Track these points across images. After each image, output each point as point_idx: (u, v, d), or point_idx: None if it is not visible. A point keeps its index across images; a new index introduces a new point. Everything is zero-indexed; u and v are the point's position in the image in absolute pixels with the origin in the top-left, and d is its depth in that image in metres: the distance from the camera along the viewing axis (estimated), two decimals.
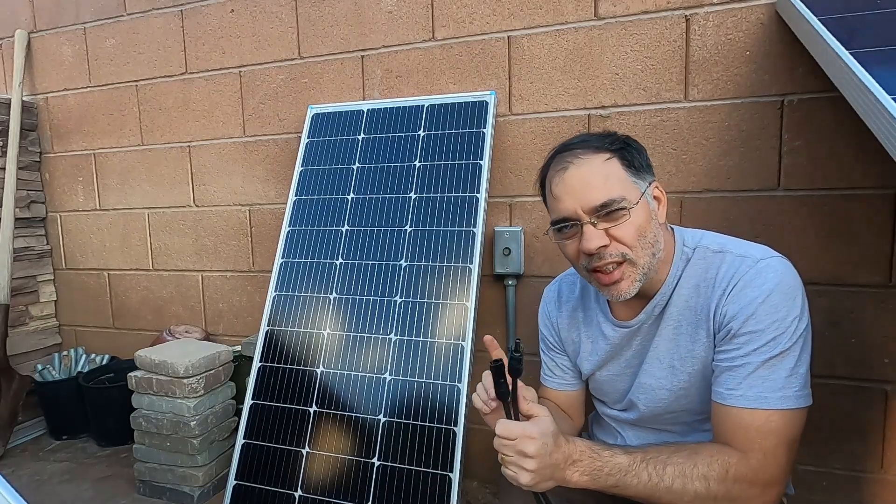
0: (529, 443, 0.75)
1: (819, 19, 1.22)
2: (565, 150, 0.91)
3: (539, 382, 1.17)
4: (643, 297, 0.94)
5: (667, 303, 0.93)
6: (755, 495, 0.79)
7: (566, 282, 1.13)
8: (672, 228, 0.98)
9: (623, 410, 1.05)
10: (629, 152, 0.89)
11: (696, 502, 0.78)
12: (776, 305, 0.81)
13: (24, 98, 2.38)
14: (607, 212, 0.85)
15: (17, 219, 2.28)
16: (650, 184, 0.91)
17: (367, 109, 1.85)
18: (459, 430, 1.41)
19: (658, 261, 0.90)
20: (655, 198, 0.92)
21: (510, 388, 0.78)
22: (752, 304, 0.82)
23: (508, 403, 0.79)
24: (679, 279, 0.92)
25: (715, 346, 0.88)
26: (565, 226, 0.89)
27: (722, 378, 0.84)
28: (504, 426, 0.77)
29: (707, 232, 0.96)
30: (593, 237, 0.85)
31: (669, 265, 0.93)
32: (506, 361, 0.79)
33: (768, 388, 0.80)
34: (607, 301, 1.03)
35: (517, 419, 0.78)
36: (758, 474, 0.79)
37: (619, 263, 0.86)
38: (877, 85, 0.95)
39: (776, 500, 0.81)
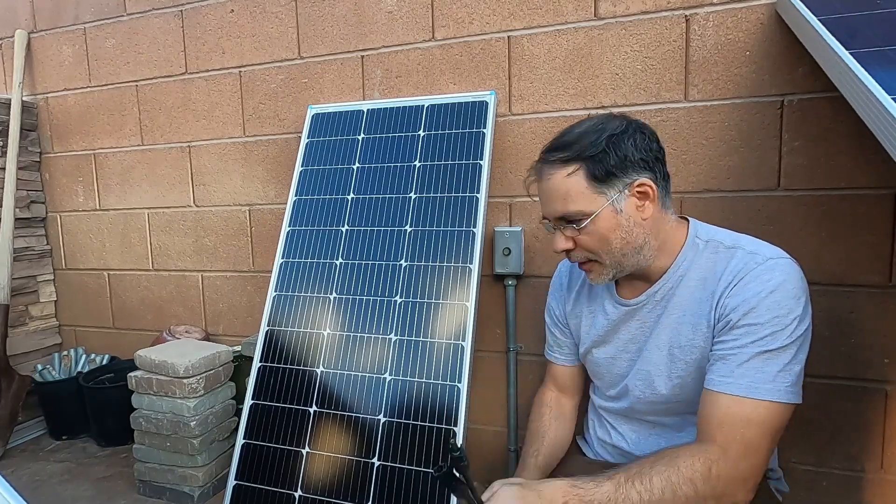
0: None
1: (819, 19, 1.21)
2: (540, 161, 0.98)
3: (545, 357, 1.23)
4: (647, 280, 0.98)
5: (672, 290, 0.95)
6: (738, 486, 0.81)
7: None
8: (688, 219, 1.00)
9: (615, 399, 1.07)
10: (601, 159, 0.88)
11: None
12: (778, 302, 0.83)
13: (24, 98, 2.38)
14: (567, 222, 0.94)
15: (17, 219, 2.28)
16: (630, 185, 0.89)
17: (367, 109, 1.85)
18: (459, 430, 1.41)
19: (647, 255, 0.94)
20: (641, 194, 0.91)
21: (464, 481, 0.77)
22: (754, 298, 0.84)
23: (470, 496, 0.79)
24: (686, 269, 0.95)
25: (714, 337, 0.89)
26: (547, 223, 1.00)
27: (716, 366, 0.87)
28: None
29: (724, 229, 0.98)
30: (559, 241, 0.97)
31: (675, 254, 0.96)
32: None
33: (760, 378, 0.82)
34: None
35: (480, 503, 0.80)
36: (738, 465, 0.80)
37: (587, 262, 0.97)
38: (877, 85, 0.95)
39: (755, 486, 0.83)
